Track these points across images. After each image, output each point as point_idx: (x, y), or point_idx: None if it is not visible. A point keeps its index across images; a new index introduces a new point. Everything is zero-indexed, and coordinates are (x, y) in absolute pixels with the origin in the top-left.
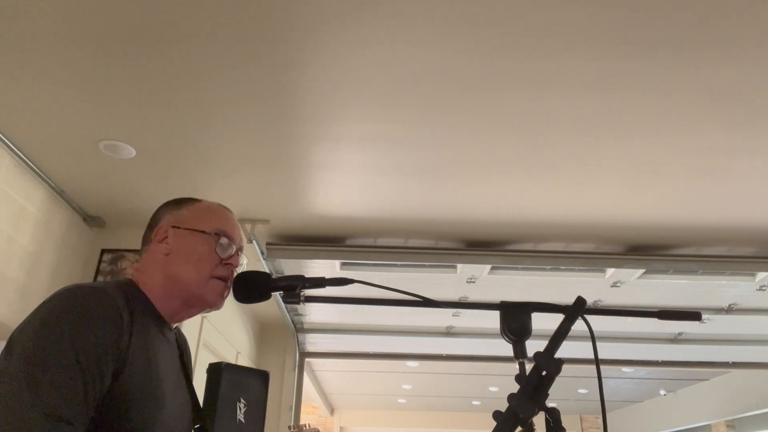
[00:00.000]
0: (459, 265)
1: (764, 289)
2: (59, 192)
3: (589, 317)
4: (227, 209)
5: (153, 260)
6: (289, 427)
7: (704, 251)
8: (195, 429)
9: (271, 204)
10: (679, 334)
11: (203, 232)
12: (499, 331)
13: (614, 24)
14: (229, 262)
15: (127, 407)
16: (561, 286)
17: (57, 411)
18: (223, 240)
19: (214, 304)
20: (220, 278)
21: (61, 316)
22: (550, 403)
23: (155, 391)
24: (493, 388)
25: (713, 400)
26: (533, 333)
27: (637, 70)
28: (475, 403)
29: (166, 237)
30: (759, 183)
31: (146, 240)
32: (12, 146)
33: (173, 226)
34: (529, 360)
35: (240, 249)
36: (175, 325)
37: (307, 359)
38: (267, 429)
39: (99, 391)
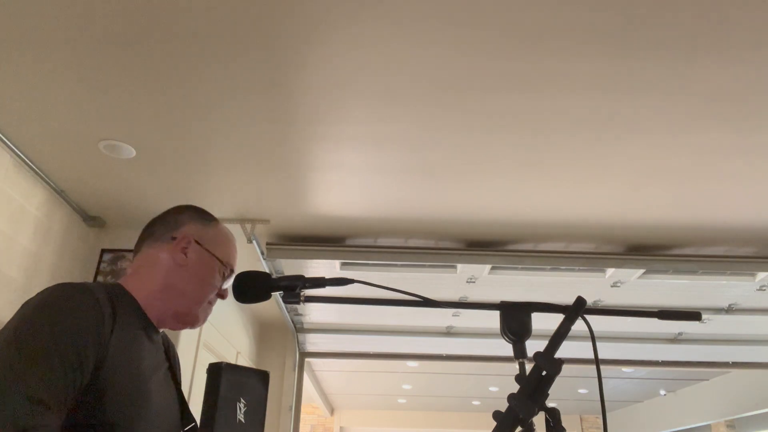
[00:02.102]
0: (459, 265)
1: (764, 289)
2: (59, 192)
3: (589, 317)
4: (235, 240)
5: (158, 262)
6: None
7: (704, 251)
8: (186, 430)
9: (271, 204)
10: (679, 334)
11: (219, 260)
12: (499, 331)
13: (614, 24)
14: (221, 293)
15: (108, 402)
16: (561, 286)
17: (37, 395)
18: (227, 273)
19: (198, 324)
20: (210, 303)
21: (43, 310)
22: (550, 403)
23: (138, 388)
24: (493, 388)
25: (713, 400)
26: (533, 333)
27: (637, 70)
28: (475, 403)
29: (188, 248)
30: (759, 183)
31: (158, 236)
32: (12, 146)
33: (197, 241)
34: (529, 360)
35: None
36: (161, 330)
37: (307, 359)
38: (267, 429)
39: (79, 382)
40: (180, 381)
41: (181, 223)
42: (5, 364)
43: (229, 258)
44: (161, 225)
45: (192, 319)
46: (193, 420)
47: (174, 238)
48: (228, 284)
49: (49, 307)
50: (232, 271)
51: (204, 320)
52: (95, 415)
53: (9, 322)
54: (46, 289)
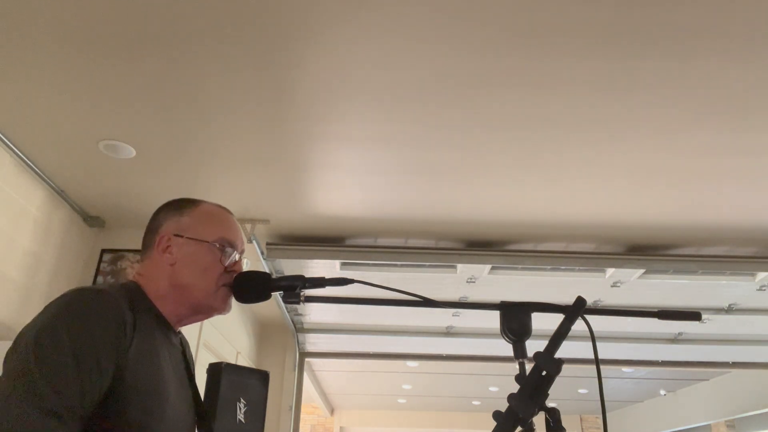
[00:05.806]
0: (459, 265)
1: (764, 289)
2: (59, 192)
3: (589, 317)
4: (227, 211)
5: (157, 268)
6: None
7: (704, 251)
8: None
9: (271, 204)
10: (679, 334)
11: (206, 242)
12: (499, 331)
13: (614, 24)
14: (233, 269)
15: (130, 406)
16: (561, 286)
17: (50, 406)
18: (228, 249)
19: (223, 310)
20: (225, 285)
21: (62, 316)
22: (550, 403)
23: (159, 392)
24: (493, 388)
25: (713, 400)
26: (533, 333)
27: (637, 70)
28: (475, 403)
29: (170, 246)
30: (759, 183)
31: (147, 245)
32: (12, 146)
33: (176, 235)
34: (529, 360)
35: (241, 253)
36: (179, 329)
37: (307, 359)
38: (267, 429)
39: (97, 390)
40: (195, 383)
41: (159, 225)
42: (22, 374)
43: (220, 233)
44: (147, 234)
45: (209, 308)
46: (207, 425)
47: (158, 245)
48: (234, 259)
49: (69, 314)
50: (230, 244)
51: (227, 304)
52: (113, 421)
53: (29, 328)
54: (67, 294)
